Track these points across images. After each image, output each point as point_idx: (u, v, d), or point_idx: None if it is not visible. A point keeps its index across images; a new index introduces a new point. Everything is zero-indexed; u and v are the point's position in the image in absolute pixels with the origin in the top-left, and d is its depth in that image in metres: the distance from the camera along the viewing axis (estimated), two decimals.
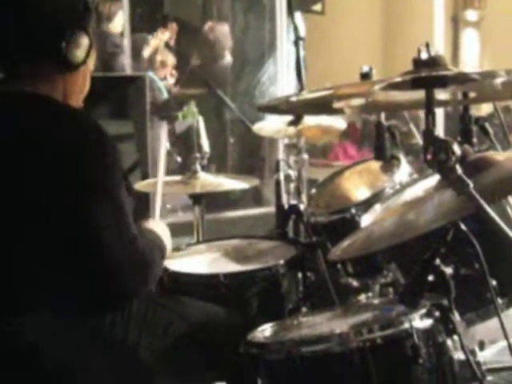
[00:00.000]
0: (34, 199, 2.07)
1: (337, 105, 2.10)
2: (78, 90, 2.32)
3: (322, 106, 2.12)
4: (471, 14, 9.41)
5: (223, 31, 7.05)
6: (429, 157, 1.65)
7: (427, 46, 1.79)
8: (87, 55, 2.26)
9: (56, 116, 2.17)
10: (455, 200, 1.89)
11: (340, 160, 8.10)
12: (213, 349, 2.36)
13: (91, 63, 2.34)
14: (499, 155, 1.99)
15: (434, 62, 1.82)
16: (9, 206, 2.09)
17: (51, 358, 2.10)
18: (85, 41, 2.24)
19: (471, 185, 1.65)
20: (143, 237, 2.26)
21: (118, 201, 2.12)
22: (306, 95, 2.26)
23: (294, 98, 2.20)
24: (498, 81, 1.97)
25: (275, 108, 2.32)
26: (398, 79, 1.81)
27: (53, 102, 2.22)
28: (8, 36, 2.19)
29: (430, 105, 1.68)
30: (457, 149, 1.63)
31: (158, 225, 2.51)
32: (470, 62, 9.20)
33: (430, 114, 1.66)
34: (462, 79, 1.93)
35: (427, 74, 1.75)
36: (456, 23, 9.40)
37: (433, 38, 7.15)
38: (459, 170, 1.66)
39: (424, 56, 1.82)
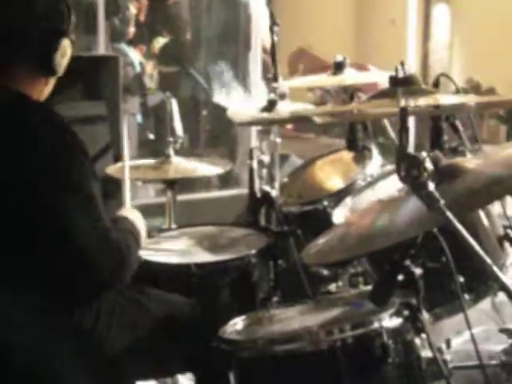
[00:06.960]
0: (9, 192, 2.10)
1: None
2: (51, 87, 2.35)
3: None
4: None
5: (184, 5, 6.99)
6: (402, 173, 1.69)
7: (402, 64, 1.83)
8: (67, 60, 2.28)
9: (32, 115, 2.21)
10: None
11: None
12: (180, 341, 2.40)
13: None
14: (469, 162, 2.02)
15: (408, 80, 1.86)
16: None
17: (21, 353, 2.12)
18: (69, 48, 2.27)
19: (442, 201, 1.70)
20: (118, 229, 2.30)
21: (90, 193, 2.16)
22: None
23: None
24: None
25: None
26: (377, 100, 1.84)
27: (29, 100, 2.25)
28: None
29: (404, 123, 1.71)
30: (428, 165, 1.68)
31: (132, 213, 2.53)
32: (441, 37, 9.21)
33: (404, 132, 1.70)
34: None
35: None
36: None
37: (405, 14, 7.14)
38: (431, 186, 1.70)
39: (400, 74, 1.85)
